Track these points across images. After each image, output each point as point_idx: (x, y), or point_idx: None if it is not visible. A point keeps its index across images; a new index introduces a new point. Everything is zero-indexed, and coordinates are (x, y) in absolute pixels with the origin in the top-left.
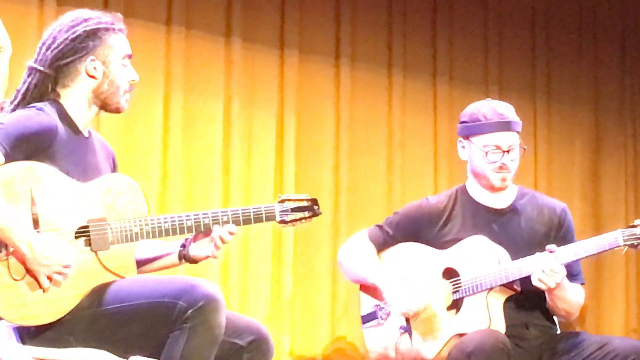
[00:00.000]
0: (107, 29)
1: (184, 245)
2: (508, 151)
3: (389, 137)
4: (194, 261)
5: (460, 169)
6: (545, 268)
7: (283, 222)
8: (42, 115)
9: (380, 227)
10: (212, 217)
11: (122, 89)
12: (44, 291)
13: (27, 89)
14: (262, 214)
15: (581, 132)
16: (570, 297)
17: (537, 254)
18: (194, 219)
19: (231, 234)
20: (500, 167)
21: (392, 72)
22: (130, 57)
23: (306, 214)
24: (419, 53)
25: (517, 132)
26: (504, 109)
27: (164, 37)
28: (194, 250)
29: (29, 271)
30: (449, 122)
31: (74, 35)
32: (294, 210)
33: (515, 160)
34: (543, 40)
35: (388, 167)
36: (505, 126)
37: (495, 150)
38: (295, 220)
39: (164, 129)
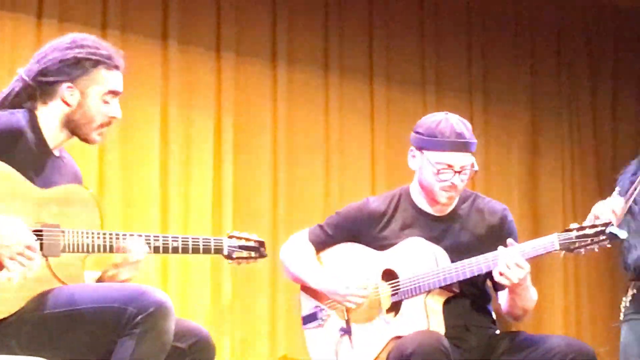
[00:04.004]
0: (97, 62)
1: (105, 272)
2: (460, 172)
3: (327, 138)
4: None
5: (397, 170)
6: (508, 262)
7: (229, 257)
8: (12, 117)
9: (320, 227)
10: (163, 241)
11: (95, 122)
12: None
13: (9, 94)
14: (210, 246)
15: (518, 132)
16: (531, 295)
17: (500, 248)
18: (145, 240)
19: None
20: (450, 187)
21: (329, 74)
22: (117, 94)
23: (252, 254)
24: (355, 54)
25: (472, 152)
26: (462, 128)
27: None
28: (108, 273)
29: None
30: (386, 122)
31: (64, 57)
32: (241, 248)
33: (465, 180)
34: (479, 40)
35: (326, 169)
36: (461, 147)
37: (447, 169)
38: (241, 258)
39: None
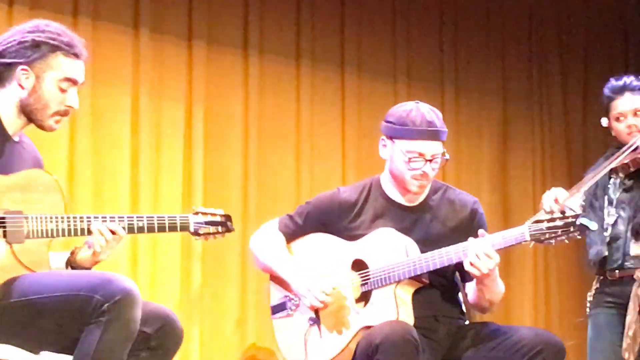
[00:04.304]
0: (56, 47)
1: (73, 253)
2: (431, 160)
3: (297, 128)
4: (79, 267)
5: (368, 160)
6: (478, 252)
7: (196, 233)
8: None
9: (290, 217)
10: (128, 221)
11: (50, 109)
12: None
13: None
14: (176, 223)
15: (489, 124)
16: (498, 287)
17: (470, 239)
18: (110, 220)
19: (112, 232)
20: (421, 175)
21: (300, 63)
22: (75, 82)
23: (219, 229)
24: (327, 44)
25: (443, 141)
26: (433, 116)
27: (70, 28)
28: (81, 253)
29: None
30: (357, 112)
31: (22, 39)
32: (207, 223)
33: (436, 169)
34: (451, 30)
35: (296, 158)
36: (432, 135)
37: (418, 157)
38: (209, 233)
39: (71, 121)
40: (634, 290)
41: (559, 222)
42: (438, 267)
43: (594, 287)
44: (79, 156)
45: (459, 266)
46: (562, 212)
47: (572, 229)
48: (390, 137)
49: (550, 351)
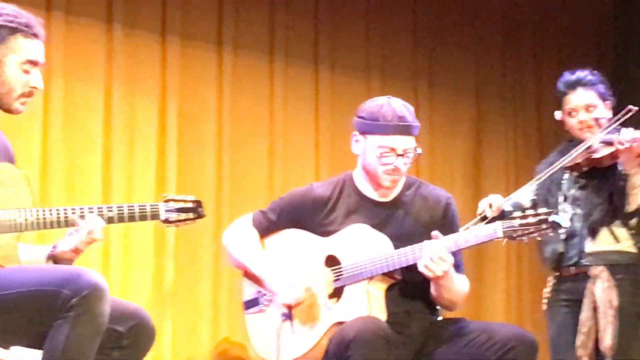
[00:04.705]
0: (14, 29)
1: (55, 247)
2: (403, 155)
3: (271, 123)
4: (61, 260)
5: (341, 157)
6: (433, 255)
7: (167, 221)
8: None
9: (263, 212)
10: (98, 212)
11: (16, 92)
12: None
13: None
14: (146, 212)
15: (463, 119)
16: (456, 287)
17: (425, 242)
18: (79, 212)
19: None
20: (393, 170)
21: (274, 59)
22: (36, 64)
23: (190, 215)
24: (301, 40)
25: (415, 135)
26: (404, 111)
27: (43, 23)
28: (61, 246)
29: None
30: (331, 108)
31: None
32: (178, 210)
33: (408, 163)
34: (425, 26)
35: (270, 155)
36: (404, 130)
37: (390, 152)
38: (180, 220)
39: (44, 116)
40: (588, 287)
41: (531, 219)
42: (410, 263)
43: (550, 284)
44: (52, 151)
45: None
46: (500, 217)
47: (544, 226)
48: (362, 133)
49: (522, 347)
